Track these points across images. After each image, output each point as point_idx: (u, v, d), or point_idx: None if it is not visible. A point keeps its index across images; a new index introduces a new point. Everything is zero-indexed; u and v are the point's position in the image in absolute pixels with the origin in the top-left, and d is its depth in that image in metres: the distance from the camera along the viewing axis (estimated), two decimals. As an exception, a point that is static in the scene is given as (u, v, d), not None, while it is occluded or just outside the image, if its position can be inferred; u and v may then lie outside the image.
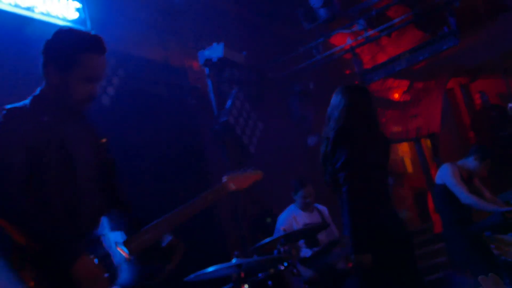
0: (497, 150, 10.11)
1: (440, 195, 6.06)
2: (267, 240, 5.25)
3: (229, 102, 7.98)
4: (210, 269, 4.34)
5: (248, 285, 4.48)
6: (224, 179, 3.43)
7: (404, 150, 13.52)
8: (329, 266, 6.04)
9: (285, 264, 4.91)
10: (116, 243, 2.80)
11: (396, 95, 11.26)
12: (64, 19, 6.24)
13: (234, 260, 4.42)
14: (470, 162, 6.11)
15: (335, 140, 3.90)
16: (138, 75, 7.37)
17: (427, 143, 11.50)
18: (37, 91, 2.86)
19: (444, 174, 6.01)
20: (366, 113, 4.07)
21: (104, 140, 3.08)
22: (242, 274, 4.44)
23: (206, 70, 8.11)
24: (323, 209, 6.75)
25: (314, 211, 6.65)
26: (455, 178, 5.91)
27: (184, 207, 3.11)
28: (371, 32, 9.08)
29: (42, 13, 6.02)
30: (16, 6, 5.78)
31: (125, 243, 2.84)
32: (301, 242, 6.36)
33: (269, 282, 4.84)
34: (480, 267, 5.61)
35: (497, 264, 5.58)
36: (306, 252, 6.29)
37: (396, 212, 4.14)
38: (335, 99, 4.14)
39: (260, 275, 4.90)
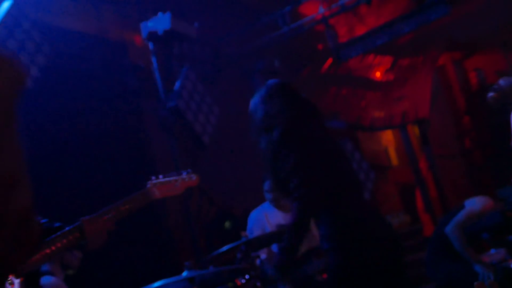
0: (495, 139, 10.33)
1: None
2: (226, 247, 5.25)
3: (178, 83, 7.98)
4: (157, 284, 4.35)
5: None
6: (148, 184, 3.53)
7: (387, 139, 13.64)
8: (307, 277, 6.08)
9: (247, 276, 4.93)
10: None
11: (378, 74, 11.37)
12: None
13: (185, 273, 4.43)
14: None
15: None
16: (68, 51, 7.31)
17: (414, 130, 11.66)
18: None
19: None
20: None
21: None
22: (195, 289, 4.46)
23: (150, 45, 8.08)
24: None
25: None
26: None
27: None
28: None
29: None
30: None
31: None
32: (275, 248, 6.38)
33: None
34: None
35: None
36: None
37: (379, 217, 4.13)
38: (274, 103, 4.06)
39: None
